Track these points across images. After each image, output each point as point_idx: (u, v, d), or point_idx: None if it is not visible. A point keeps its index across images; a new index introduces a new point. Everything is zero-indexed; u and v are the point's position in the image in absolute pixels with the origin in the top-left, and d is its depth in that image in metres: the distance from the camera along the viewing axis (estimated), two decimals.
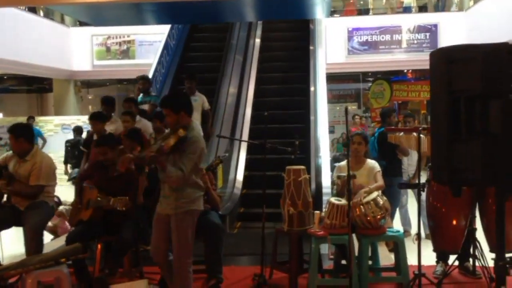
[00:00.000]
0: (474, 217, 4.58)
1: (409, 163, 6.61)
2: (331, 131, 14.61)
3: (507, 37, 9.07)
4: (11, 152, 5.05)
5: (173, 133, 3.76)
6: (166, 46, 10.81)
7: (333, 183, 5.17)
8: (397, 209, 6.49)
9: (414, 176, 6.43)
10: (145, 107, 7.62)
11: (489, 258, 4.04)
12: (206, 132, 7.64)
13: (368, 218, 4.35)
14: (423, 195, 4.91)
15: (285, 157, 5.40)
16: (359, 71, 17.64)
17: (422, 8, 17.84)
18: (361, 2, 18.57)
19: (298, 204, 4.53)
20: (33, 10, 14.36)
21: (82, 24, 15.81)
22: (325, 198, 6.35)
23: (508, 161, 2.90)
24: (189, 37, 11.93)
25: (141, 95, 7.86)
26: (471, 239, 4.52)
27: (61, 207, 6.99)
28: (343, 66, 15.73)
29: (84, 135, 11.51)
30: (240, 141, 8.18)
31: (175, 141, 3.71)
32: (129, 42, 16.10)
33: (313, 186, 6.91)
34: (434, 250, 4.80)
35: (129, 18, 9.39)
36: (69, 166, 12.83)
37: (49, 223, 6.41)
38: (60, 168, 12.97)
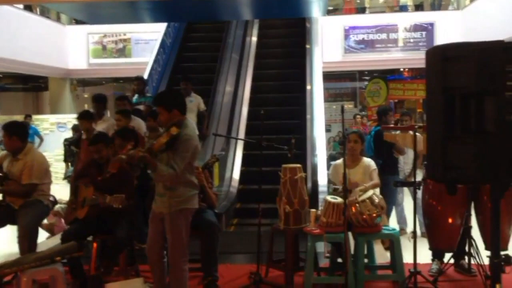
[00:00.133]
0: (470, 215, 4.59)
1: (405, 161, 6.62)
2: (328, 130, 14.63)
3: (503, 36, 9.09)
4: (6, 151, 5.04)
5: (166, 132, 3.75)
6: (162, 45, 10.80)
7: (329, 181, 5.17)
8: (393, 208, 6.50)
9: (410, 174, 6.44)
10: (141, 108, 7.60)
11: (485, 256, 4.05)
12: (202, 133, 7.65)
13: (364, 216, 4.35)
14: (419, 193, 4.93)
15: (281, 153, 5.40)
16: (355, 69, 17.65)
17: (419, 7, 17.85)
18: (358, 1, 18.56)
19: (294, 202, 4.53)
20: (29, 8, 14.31)
21: (78, 22, 15.76)
22: (321, 196, 6.36)
23: (502, 159, 2.91)
24: (185, 37, 11.91)
25: (136, 96, 7.83)
26: (467, 237, 4.54)
27: (57, 206, 6.97)
28: (339, 64, 15.74)
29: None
30: (237, 139, 8.18)
31: (166, 140, 3.69)
32: (125, 40, 16.04)
33: (309, 184, 6.92)
34: (430, 248, 4.81)
35: (125, 16, 9.36)
36: (69, 164, 12.85)
37: (46, 221, 6.42)
38: (56, 166, 13.04)
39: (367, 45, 15.59)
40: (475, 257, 4.42)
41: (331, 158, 9.42)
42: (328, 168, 6.71)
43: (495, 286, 3.15)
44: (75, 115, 6.75)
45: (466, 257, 4.72)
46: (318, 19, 11.10)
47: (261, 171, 4.95)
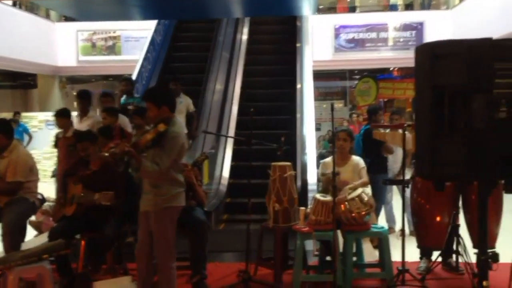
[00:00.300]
0: (458, 213, 4.61)
1: (394, 160, 6.63)
2: (317, 129, 14.64)
3: (493, 35, 9.12)
4: None
5: (153, 128, 3.72)
6: (152, 42, 10.74)
7: (319, 180, 5.16)
8: (382, 206, 6.51)
9: (399, 173, 6.45)
10: (130, 108, 7.52)
11: (472, 254, 4.06)
12: (190, 134, 7.62)
13: (353, 214, 4.35)
14: (408, 192, 4.94)
15: (272, 147, 5.38)
16: (345, 68, 17.69)
17: (408, 6, 17.93)
18: (348, 0, 18.62)
19: (284, 200, 4.53)
20: (17, 5, 14.18)
21: (67, 19, 15.65)
22: (310, 194, 6.36)
23: (490, 156, 2.92)
24: (175, 36, 11.84)
25: (124, 96, 7.75)
26: (455, 236, 4.55)
27: (45, 204, 6.90)
28: (329, 63, 15.77)
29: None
30: (226, 137, 8.16)
31: (153, 136, 3.66)
32: (115, 38, 15.97)
33: (299, 183, 6.92)
34: (418, 246, 4.83)
35: (115, 13, 9.32)
36: None
37: (33, 218, 6.36)
38: (45, 164, 12.91)
39: (357, 44, 15.64)
40: (462, 255, 4.44)
41: (321, 156, 9.43)
42: (318, 166, 6.71)
43: (482, 283, 3.16)
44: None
45: (454, 255, 4.74)
46: (309, 17, 11.11)
47: (251, 166, 4.93)
